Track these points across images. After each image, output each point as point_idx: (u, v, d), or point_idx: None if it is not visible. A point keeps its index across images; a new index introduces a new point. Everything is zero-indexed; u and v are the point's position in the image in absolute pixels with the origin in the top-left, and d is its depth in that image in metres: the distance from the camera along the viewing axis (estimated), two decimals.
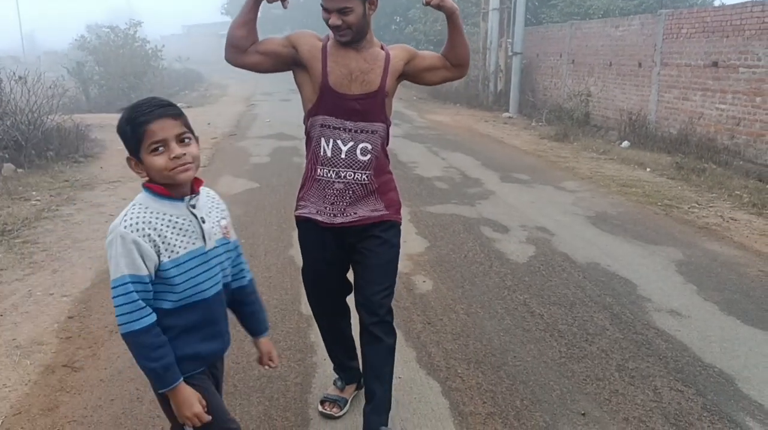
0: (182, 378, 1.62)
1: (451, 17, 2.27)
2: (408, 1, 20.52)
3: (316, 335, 3.27)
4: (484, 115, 14.75)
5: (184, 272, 1.61)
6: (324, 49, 2.27)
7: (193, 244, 1.64)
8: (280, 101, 17.81)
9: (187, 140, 1.61)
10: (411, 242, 4.86)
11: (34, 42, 54.70)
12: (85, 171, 8.04)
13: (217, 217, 1.73)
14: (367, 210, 2.34)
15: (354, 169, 2.28)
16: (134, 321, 1.55)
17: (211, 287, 1.69)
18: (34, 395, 2.87)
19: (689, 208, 6.18)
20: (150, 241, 1.57)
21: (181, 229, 1.62)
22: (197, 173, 1.66)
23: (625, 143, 10.21)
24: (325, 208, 2.33)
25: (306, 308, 3.71)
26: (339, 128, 2.26)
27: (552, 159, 9.07)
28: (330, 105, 2.25)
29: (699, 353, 3.20)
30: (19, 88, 8.84)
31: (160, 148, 1.56)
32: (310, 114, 2.31)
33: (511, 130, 12.24)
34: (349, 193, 2.31)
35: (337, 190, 2.30)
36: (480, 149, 9.83)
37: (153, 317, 1.58)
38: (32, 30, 58.10)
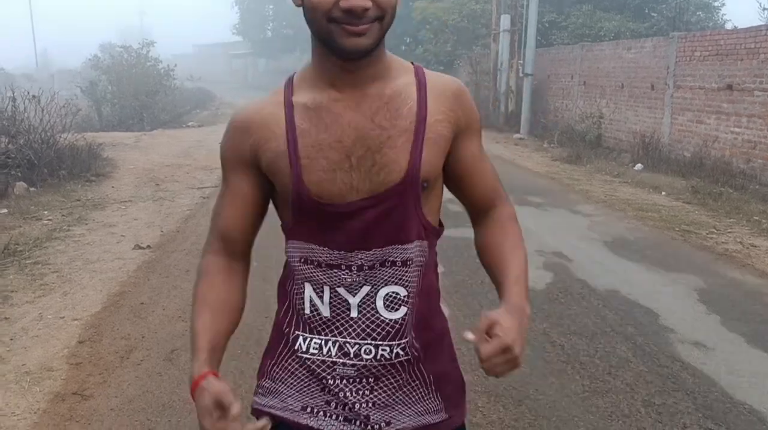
0: None
1: None
2: (418, 23, 20.65)
3: None
4: (495, 136, 14.71)
5: None
6: (289, 118, 1.14)
7: None
8: None
9: None
10: None
11: (47, 59, 55.44)
12: (96, 190, 8.04)
13: None
14: (410, 414, 1.23)
15: (376, 338, 1.18)
16: None
17: None
18: (43, 425, 2.81)
19: (707, 233, 6.08)
20: None
21: None
22: None
23: (639, 166, 10.13)
24: (321, 404, 1.21)
25: None
26: (337, 267, 1.16)
27: (565, 182, 9.00)
28: (313, 226, 1.16)
29: (728, 389, 3.09)
30: (33, 107, 8.90)
31: None
32: (287, 237, 1.22)
33: (523, 152, 12.20)
34: (368, 381, 1.20)
35: (345, 376, 1.19)
36: None
37: None
38: (45, 48, 58.92)
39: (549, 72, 15.26)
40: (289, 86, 1.17)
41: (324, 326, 1.19)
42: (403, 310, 1.17)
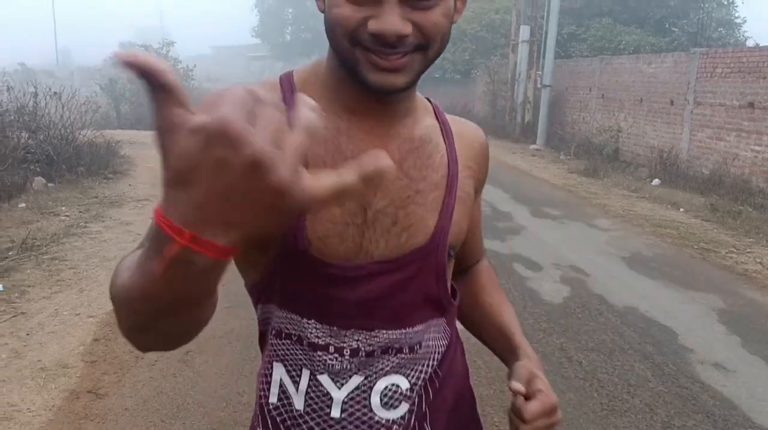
0: None
1: None
2: None
3: None
4: (511, 147, 14.67)
5: None
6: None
7: None
8: None
9: None
10: None
11: (68, 57, 56.03)
12: (114, 188, 8.09)
13: None
14: None
15: None
16: None
17: None
18: (58, 422, 2.80)
19: (727, 252, 6.00)
20: None
21: None
22: None
23: (656, 181, 10.04)
24: None
25: None
26: (324, 348, 0.86)
27: (583, 195, 8.94)
28: (301, 290, 0.85)
29: (749, 413, 3.04)
30: (54, 103, 8.98)
31: None
32: (257, 299, 0.91)
33: (539, 163, 12.14)
34: None
35: None
36: (509, 182, 9.73)
37: None
38: (67, 45, 59.57)
39: (567, 84, 15.20)
40: (290, 90, 0.86)
41: (295, 423, 0.87)
42: (404, 406, 0.88)
